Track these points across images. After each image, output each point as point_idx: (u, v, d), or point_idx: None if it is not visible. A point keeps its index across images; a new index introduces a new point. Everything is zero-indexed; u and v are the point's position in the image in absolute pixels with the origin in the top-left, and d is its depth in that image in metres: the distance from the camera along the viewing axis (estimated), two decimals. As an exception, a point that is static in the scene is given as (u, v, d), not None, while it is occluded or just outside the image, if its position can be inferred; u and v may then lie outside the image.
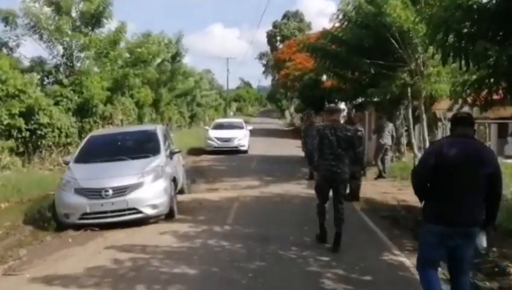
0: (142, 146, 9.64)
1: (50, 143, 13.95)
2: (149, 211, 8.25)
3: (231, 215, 9.14)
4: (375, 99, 15.86)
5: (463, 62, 6.72)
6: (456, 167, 4.03)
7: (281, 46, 60.31)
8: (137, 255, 6.55)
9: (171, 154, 9.68)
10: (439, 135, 20.21)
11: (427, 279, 4.26)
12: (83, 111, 16.76)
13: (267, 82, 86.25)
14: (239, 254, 6.61)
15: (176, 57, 26.78)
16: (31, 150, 13.55)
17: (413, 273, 5.63)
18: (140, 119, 24.43)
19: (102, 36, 18.27)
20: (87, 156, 9.16)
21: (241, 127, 23.54)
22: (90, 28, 17.83)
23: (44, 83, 17.68)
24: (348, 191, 7.80)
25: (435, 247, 4.18)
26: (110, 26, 19.18)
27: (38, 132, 13.58)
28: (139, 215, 8.20)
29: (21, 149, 13.46)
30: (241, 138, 22.17)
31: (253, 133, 29.49)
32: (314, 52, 15.12)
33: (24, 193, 10.78)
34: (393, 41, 12.90)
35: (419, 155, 14.31)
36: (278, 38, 68.05)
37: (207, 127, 24.36)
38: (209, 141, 22.17)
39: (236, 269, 5.93)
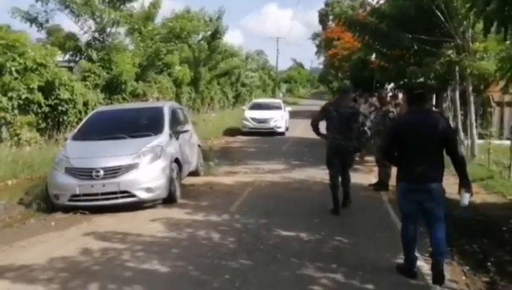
0: (145, 124, 8.94)
1: (72, 119, 13.54)
2: (143, 195, 7.56)
3: (237, 202, 8.31)
4: (419, 80, 14.39)
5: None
6: (414, 135, 4.79)
7: (332, 25, 58.19)
8: (113, 244, 5.88)
9: (177, 134, 8.89)
10: (495, 121, 18.49)
11: (407, 235, 5.12)
12: (111, 87, 16.37)
13: (320, 63, 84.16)
14: (226, 249, 5.78)
15: (215, 34, 25.94)
16: (52, 126, 13.17)
17: (429, 281, 4.79)
18: (178, 98, 23.97)
19: (134, 11, 17.69)
20: (87, 133, 8.58)
21: (279, 108, 22.52)
22: (121, 2, 17.32)
23: (77, 59, 17.43)
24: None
25: (405, 201, 4.98)
26: (144, 1, 18.73)
27: (59, 107, 13.20)
28: (132, 199, 7.53)
29: (42, 125, 13.13)
30: (277, 119, 21.22)
31: (296, 114, 28.48)
32: (352, 26, 13.86)
33: (36, 170, 10.41)
34: (438, 13, 11.50)
35: (466, 143, 12.95)
36: (330, 17, 65.73)
37: (244, 108, 23.51)
38: (245, 122, 21.37)
39: (213, 268, 5.12)
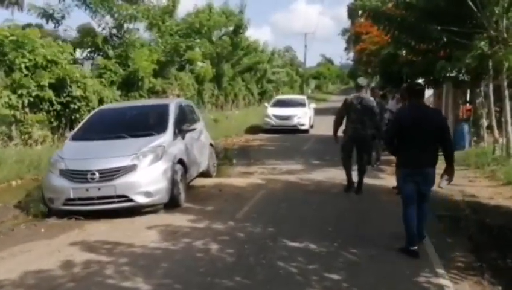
0: (148, 122, 8.37)
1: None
2: (141, 200, 6.98)
3: (246, 207, 7.66)
4: (450, 74, 13.37)
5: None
6: (413, 126, 5.38)
7: (361, 20, 56.72)
8: (98, 256, 5.31)
9: (183, 133, 8.28)
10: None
11: (408, 213, 5.58)
12: (128, 84, 15.96)
13: (349, 59, 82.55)
14: (222, 264, 5.13)
15: (237, 30, 25.31)
16: (64, 124, 12.79)
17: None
18: (200, 95, 23.49)
19: (151, 6, 17.22)
20: (87, 132, 8.06)
21: (302, 105, 21.73)
22: (138, -4, 16.91)
23: (95, 56, 17.10)
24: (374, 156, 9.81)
25: (406, 184, 5.58)
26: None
27: (72, 105, 12.80)
28: (130, 203, 6.96)
29: (54, 123, 12.77)
30: (301, 116, 20.45)
31: (323, 111, 27.60)
32: (377, 18, 12.97)
33: (43, 170, 9.96)
34: (469, 1, 10.52)
35: (500, 141, 11.95)
36: (360, 12, 64.19)
37: (267, 104, 22.82)
38: (267, 119, 20.68)
39: (203, 287, 4.47)
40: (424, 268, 5.17)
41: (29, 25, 15.78)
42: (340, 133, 8.73)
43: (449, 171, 5.49)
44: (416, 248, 5.52)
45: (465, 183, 9.93)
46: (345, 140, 8.50)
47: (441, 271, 5.07)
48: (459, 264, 5.33)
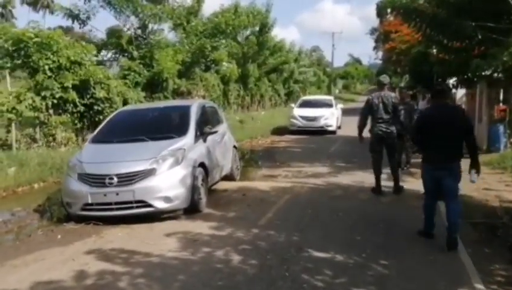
0: (169, 125, 8.10)
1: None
2: (161, 205, 6.72)
3: (270, 213, 7.33)
4: (485, 73, 12.75)
5: None
6: (437, 124, 5.75)
7: (391, 18, 55.65)
8: (113, 266, 5.06)
9: (205, 135, 8.00)
10: None
11: (427, 205, 6.03)
12: (152, 85, 15.87)
13: (377, 58, 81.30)
14: (243, 276, 4.82)
15: (263, 29, 24.99)
16: (88, 126, 12.73)
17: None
18: (225, 96, 23.30)
19: (175, 6, 17.09)
20: (107, 134, 7.86)
21: (330, 105, 21.27)
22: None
23: (120, 57, 17.09)
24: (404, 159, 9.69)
25: (429, 179, 5.92)
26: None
27: (95, 106, 12.74)
28: (149, 209, 6.70)
29: (78, 125, 12.72)
30: (328, 116, 20.02)
31: (351, 112, 26.99)
32: (406, 15, 12.45)
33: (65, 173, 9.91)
34: (506, -5, 9.96)
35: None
36: (388, 9, 63.04)
37: (293, 105, 22.43)
38: (293, 120, 20.32)
39: (220, 304, 4.17)
40: (461, 282, 4.76)
41: (60, 27, 15.87)
42: (368, 133, 8.68)
43: (475, 165, 5.76)
44: (433, 232, 6.04)
45: (502, 187, 9.40)
46: (372, 140, 8.51)
47: (479, 286, 4.66)
48: (499, 279, 4.91)
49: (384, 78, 8.85)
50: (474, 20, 11.03)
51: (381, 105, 8.25)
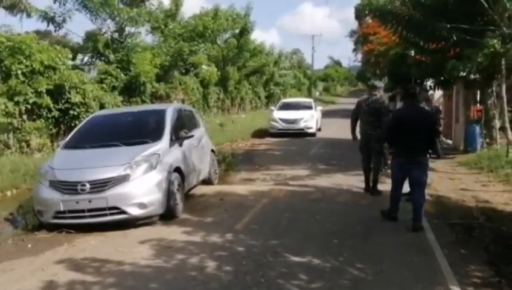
0: (143, 129, 7.95)
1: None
2: (135, 212, 6.58)
3: (247, 217, 7.24)
4: (461, 74, 12.85)
5: None
6: (407, 123, 6.54)
7: (369, 20, 56.04)
8: (84, 276, 4.92)
9: (181, 139, 7.88)
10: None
11: (393, 191, 6.83)
12: (130, 89, 15.67)
13: (357, 60, 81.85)
14: (217, 284, 4.71)
15: (243, 32, 24.94)
16: (64, 131, 12.49)
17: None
18: (205, 99, 23.16)
19: (152, 9, 16.93)
20: (79, 140, 7.68)
21: (309, 108, 21.32)
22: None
23: (96, 61, 16.85)
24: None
25: (399, 171, 6.69)
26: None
27: (71, 111, 12.52)
28: (123, 216, 6.55)
29: (54, 131, 12.47)
30: (307, 119, 20.05)
31: (331, 114, 27.17)
32: (383, 17, 12.51)
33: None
34: (480, -3, 10.05)
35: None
36: (366, 12, 63.43)
37: (273, 108, 22.41)
38: (273, 123, 20.32)
39: (193, 312, 4.07)
40: (437, 284, 4.74)
41: (37, 32, 15.56)
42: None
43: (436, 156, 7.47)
44: (396, 215, 6.86)
45: (478, 188, 9.48)
46: (360, 140, 8.87)
47: (455, 288, 4.64)
48: (475, 280, 4.89)
49: (379, 83, 9.66)
50: (449, 22, 11.15)
51: (365, 108, 8.59)
